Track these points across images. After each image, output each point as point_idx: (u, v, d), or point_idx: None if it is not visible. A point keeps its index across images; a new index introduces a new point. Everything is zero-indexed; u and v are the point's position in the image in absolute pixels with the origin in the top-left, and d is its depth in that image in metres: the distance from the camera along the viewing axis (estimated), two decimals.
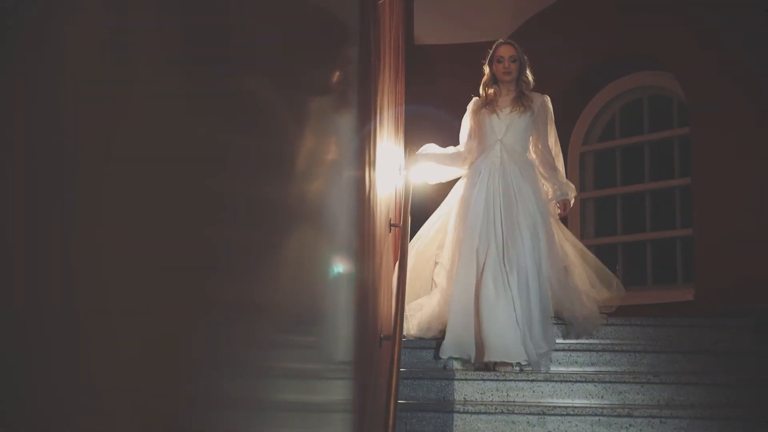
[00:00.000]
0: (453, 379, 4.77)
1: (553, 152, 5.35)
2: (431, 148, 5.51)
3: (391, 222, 4.51)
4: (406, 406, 4.55)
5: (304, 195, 1.82)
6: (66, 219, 0.74)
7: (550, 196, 5.30)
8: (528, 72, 5.33)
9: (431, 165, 5.44)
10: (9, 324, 0.66)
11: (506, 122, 5.24)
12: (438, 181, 5.55)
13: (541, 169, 5.30)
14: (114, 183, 0.83)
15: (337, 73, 2.29)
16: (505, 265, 4.94)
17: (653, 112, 7.31)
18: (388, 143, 4.22)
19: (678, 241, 6.98)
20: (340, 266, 2.28)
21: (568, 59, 7.26)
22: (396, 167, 4.95)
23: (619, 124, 7.49)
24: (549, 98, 5.38)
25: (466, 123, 5.47)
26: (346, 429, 2.37)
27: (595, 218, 7.51)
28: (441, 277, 5.26)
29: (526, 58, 5.35)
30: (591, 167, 7.59)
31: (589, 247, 7.41)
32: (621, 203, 7.41)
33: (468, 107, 5.46)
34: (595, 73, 7.34)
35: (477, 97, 5.47)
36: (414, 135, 6.91)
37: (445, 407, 4.55)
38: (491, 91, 5.35)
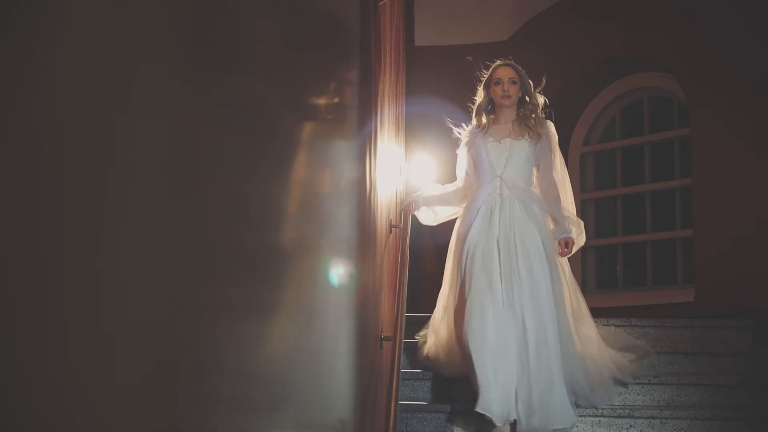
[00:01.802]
0: (454, 380, 4.77)
1: (559, 184, 4.69)
2: (430, 189, 4.91)
3: (392, 223, 4.51)
4: (406, 406, 4.55)
5: (304, 195, 1.82)
6: (66, 219, 0.74)
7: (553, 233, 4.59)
8: (537, 94, 4.72)
9: (433, 208, 4.88)
10: (5, 327, 0.66)
11: (506, 154, 4.61)
12: (443, 221, 4.95)
13: (544, 204, 4.62)
14: (112, 183, 0.83)
15: (338, 74, 2.30)
16: (503, 316, 4.33)
17: (653, 113, 7.31)
18: (388, 144, 4.22)
19: (678, 242, 6.98)
20: (340, 267, 2.28)
21: (568, 60, 7.26)
22: (396, 168, 4.95)
23: (619, 125, 7.50)
24: (552, 124, 4.74)
25: (462, 156, 4.83)
26: (346, 429, 2.38)
27: (595, 219, 7.52)
28: (439, 324, 4.78)
29: (530, 82, 4.74)
30: (591, 168, 7.59)
31: (589, 247, 7.43)
32: (621, 204, 7.42)
33: (462, 138, 4.84)
34: (596, 74, 7.35)
35: (470, 126, 4.85)
36: (414, 136, 6.92)
37: (446, 408, 4.55)
38: (484, 119, 4.76)
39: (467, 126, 4.86)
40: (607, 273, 7.48)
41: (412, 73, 6.83)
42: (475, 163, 4.71)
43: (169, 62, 0.97)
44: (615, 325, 5.27)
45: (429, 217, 4.89)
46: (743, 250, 6.14)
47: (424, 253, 7.14)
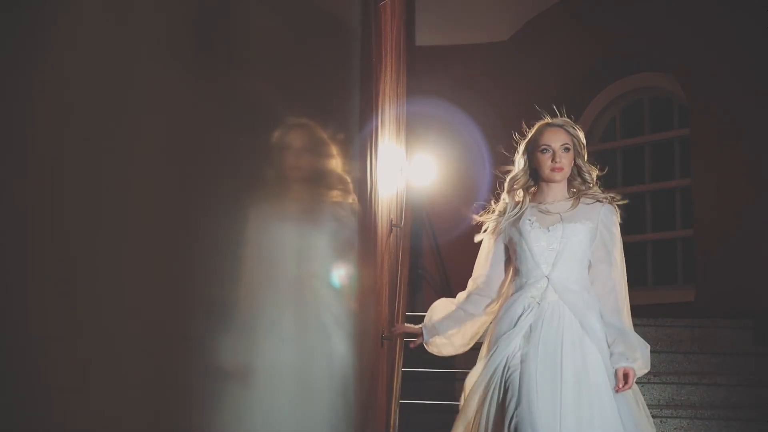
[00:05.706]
0: (454, 379, 4.78)
1: (617, 288, 3.44)
2: (438, 311, 3.55)
3: (393, 223, 4.52)
4: (407, 406, 4.55)
5: (305, 195, 1.82)
6: (64, 219, 0.75)
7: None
8: (590, 166, 3.52)
9: (447, 335, 3.54)
10: (7, 327, 0.66)
11: (556, 246, 3.33)
12: (468, 347, 3.59)
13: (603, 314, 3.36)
14: (113, 183, 0.83)
15: (338, 74, 2.30)
16: None
17: (654, 113, 7.32)
18: (389, 144, 4.23)
19: (678, 242, 6.99)
20: (341, 267, 2.28)
21: (568, 61, 7.26)
22: (397, 168, 4.95)
23: (619, 125, 7.50)
24: (615, 207, 3.52)
25: (487, 248, 3.49)
26: (348, 429, 2.38)
27: None
28: None
29: (584, 146, 3.49)
30: None
31: None
32: (622, 204, 7.42)
33: (484, 223, 3.50)
34: (596, 75, 7.35)
35: (494, 208, 3.50)
36: (415, 135, 6.92)
37: (446, 407, 4.55)
38: (522, 197, 3.43)
39: (494, 203, 3.53)
40: None
41: (412, 73, 6.83)
42: (510, 256, 3.44)
43: (168, 62, 0.97)
44: None
45: (445, 347, 3.58)
46: (743, 250, 6.14)
47: (424, 253, 7.14)
